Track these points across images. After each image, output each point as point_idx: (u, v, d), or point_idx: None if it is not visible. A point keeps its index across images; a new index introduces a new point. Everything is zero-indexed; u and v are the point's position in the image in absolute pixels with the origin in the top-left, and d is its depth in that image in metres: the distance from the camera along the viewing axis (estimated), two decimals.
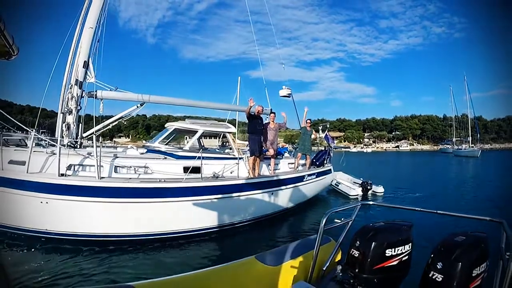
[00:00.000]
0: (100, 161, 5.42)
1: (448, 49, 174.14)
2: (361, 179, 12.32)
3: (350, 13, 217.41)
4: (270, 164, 8.08)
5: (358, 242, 2.32)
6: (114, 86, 7.10)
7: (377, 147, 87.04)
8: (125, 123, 7.88)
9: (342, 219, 2.73)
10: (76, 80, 6.65)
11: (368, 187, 11.34)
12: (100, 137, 5.97)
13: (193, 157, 6.41)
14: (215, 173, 6.59)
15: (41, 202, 5.13)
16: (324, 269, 2.47)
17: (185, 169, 6.26)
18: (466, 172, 23.78)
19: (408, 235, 2.39)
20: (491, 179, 18.34)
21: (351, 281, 2.26)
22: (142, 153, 6.51)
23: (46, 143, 6.51)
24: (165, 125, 8.05)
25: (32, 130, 5.53)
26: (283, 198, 7.82)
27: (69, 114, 6.59)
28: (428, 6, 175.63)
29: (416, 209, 2.68)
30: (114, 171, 5.76)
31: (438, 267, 1.90)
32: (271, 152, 7.97)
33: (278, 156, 8.89)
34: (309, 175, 8.96)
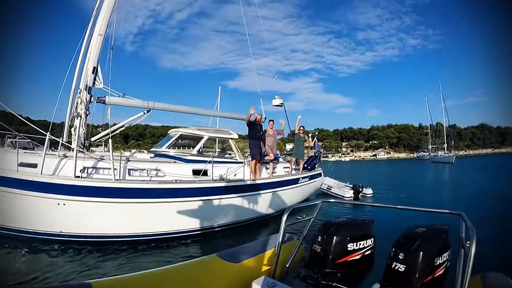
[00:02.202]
0: (114, 163, 5.61)
1: (423, 60, 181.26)
2: (348, 183, 13.05)
3: (329, 25, 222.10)
4: (268, 168, 8.50)
5: (320, 237, 2.33)
6: (122, 93, 7.29)
7: (355, 156, 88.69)
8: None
9: (304, 216, 2.78)
10: (86, 85, 6.81)
11: (360, 189, 12.00)
12: (110, 141, 6.17)
13: (201, 161, 6.72)
14: (221, 176, 6.92)
15: (58, 204, 5.21)
16: (287, 266, 2.45)
17: (194, 172, 6.57)
18: (442, 176, 25.50)
19: (370, 230, 2.44)
20: (463, 181, 20.33)
21: (315, 276, 2.26)
22: (151, 157, 6.74)
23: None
24: (169, 132, 8.35)
25: (48, 133, 5.64)
26: (281, 198, 8.24)
27: (77, 118, 6.73)
28: (404, 18, 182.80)
29: (377, 205, 2.93)
30: (128, 174, 5.95)
31: (400, 258, 1.93)
32: (271, 156, 8.41)
33: (274, 161, 9.32)
34: (303, 178, 9.47)
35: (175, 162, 6.80)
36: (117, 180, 5.59)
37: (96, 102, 7.02)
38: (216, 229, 6.53)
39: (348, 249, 2.24)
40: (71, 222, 5.39)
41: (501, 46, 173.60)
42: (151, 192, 5.62)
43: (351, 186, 12.42)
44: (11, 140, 6.86)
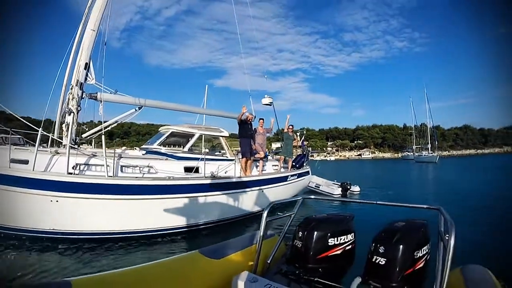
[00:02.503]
0: (107, 160, 5.65)
1: (409, 62, 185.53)
2: (335, 181, 13.41)
3: (316, 25, 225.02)
4: (258, 165, 8.68)
5: (300, 233, 2.35)
6: (114, 89, 7.28)
7: (340, 156, 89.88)
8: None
9: (285, 212, 2.83)
10: (77, 81, 6.78)
11: (348, 187, 12.40)
12: (103, 137, 6.18)
13: (193, 158, 6.82)
14: (213, 173, 7.04)
15: (51, 201, 5.21)
16: (269, 262, 2.46)
17: (186, 169, 6.67)
18: (426, 175, 26.54)
19: (350, 225, 2.48)
20: (445, 179, 21.60)
21: (296, 272, 2.28)
22: (143, 154, 6.79)
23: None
24: (159, 129, 8.38)
25: (40, 129, 5.61)
26: (271, 195, 8.39)
27: (69, 115, 6.71)
28: (391, 21, 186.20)
29: (358, 201, 3.07)
30: (120, 171, 6.00)
31: (381, 252, 1.96)
32: (261, 154, 8.59)
33: (264, 159, 9.50)
34: (291, 175, 9.69)
35: (167, 159, 6.88)
36: (110, 176, 5.64)
37: (88, 98, 6.99)
38: (209, 225, 6.66)
39: (329, 244, 2.26)
40: (64, 219, 5.40)
41: (485, 50, 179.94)
42: (145, 189, 5.69)
43: (339, 184, 12.77)
44: (1, 136, 6.78)
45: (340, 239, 2.30)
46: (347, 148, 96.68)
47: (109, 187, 5.46)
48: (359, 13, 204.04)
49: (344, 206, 9.53)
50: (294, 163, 11.06)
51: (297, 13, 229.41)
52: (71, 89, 6.80)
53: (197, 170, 6.85)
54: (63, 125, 6.71)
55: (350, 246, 2.37)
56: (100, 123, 7.53)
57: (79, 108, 6.87)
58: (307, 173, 11.19)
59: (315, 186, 12.76)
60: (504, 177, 20.80)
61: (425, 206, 2.28)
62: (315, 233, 2.27)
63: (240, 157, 8.03)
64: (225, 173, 7.55)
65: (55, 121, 7.01)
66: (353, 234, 2.42)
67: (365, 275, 2.02)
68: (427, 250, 2.01)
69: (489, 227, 6.89)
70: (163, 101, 8.08)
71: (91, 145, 8.26)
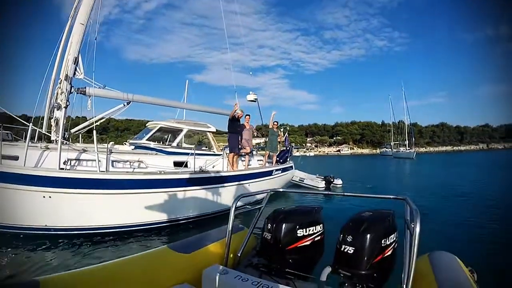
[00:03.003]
0: (98, 155, 5.75)
1: (389, 61, 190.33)
2: (317, 175, 14.02)
3: (297, 22, 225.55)
4: (244, 160, 8.99)
5: (269, 225, 2.37)
6: (102, 84, 7.32)
7: (319, 151, 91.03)
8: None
9: (254, 205, 2.86)
10: (66, 75, 6.78)
11: (331, 180, 13.01)
12: (95, 132, 6.24)
13: (182, 153, 7.01)
14: (201, 167, 7.26)
15: (44, 197, 5.22)
16: (239, 255, 2.47)
17: (175, 164, 6.87)
18: (403, 169, 28.18)
19: (319, 216, 2.49)
20: (421, 173, 23.44)
21: (267, 264, 2.31)
22: (133, 149, 6.91)
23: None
24: (147, 125, 8.51)
25: (30, 124, 5.63)
26: (257, 189, 8.63)
27: (58, 110, 6.72)
28: (371, 20, 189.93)
29: (325, 192, 3.23)
30: (111, 165, 6.11)
31: (349, 241, 2.00)
32: (247, 149, 8.89)
33: (250, 154, 9.81)
34: (276, 170, 10.11)
35: (157, 154, 7.04)
36: (102, 171, 5.75)
37: (77, 93, 7.02)
38: (199, 218, 6.87)
39: (298, 235, 2.28)
40: (57, 215, 5.42)
41: (461, 52, 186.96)
42: (137, 183, 5.84)
43: (323, 177, 13.34)
44: None
45: (309, 230, 2.32)
46: (326, 144, 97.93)
47: (101, 182, 5.56)
48: (340, 11, 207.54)
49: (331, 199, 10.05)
50: (278, 158, 11.47)
51: (278, 10, 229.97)
52: (60, 83, 6.81)
53: (186, 165, 7.05)
54: (52, 120, 6.71)
55: (319, 237, 2.40)
56: (84, 118, 7.56)
57: (68, 103, 6.88)
58: (290, 168, 11.67)
59: (299, 180, 13.23)
60: (477, 171, 22.07)
61: (391, 196, 2.33)
62: (284, 225, 2.29)
63: (228, 152, 8.27)
64: (213, 167, 7.79)
65: (42, 116, 6.95)
66: (321, 225, 2.44)
67: (335, 264, 2.06)
68: (394, 239, 2.05)
69: (458, 217, 7.47)
70: (150, 96, 8.17)
71: (77, 140, 8.25)
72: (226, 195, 7.47)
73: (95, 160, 5.84)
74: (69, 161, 5.83)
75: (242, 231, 2.82)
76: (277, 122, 10.96)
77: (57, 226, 5.45)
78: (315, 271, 2.32)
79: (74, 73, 6.99)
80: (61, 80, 6.81)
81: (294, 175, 13.04)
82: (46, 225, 5.36)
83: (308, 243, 2.31)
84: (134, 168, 6.37)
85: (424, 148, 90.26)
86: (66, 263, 4.59)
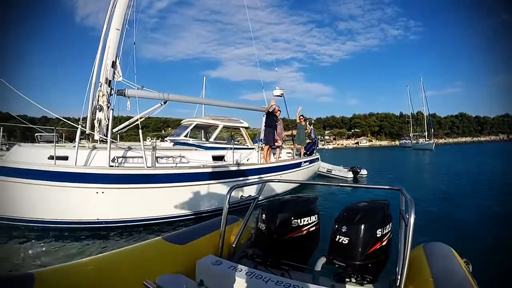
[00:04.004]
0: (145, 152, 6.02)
1: (404, 51, 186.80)
2: (341, 166, 14.13)
3: (310, 14, 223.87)
4: (275, 153, 9.26)
5: (264, 216, 2.35)
6: (140, 85, 7.62)
7: (338, 144, 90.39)
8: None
9: (249, 195, 2.87)
10: (106, 78, 7.10)
11: (358, 171, 13.19)
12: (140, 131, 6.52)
13: (218, 148, 7.28)
14: (237, 161, 7.49)
15: (97, 192, 5.51)
16: (234, 245, 2.44)
17: (214, 158, 7.13)
18: (422, 160, 28.08)
19: (314, 207, 2.48)
20: (438, 163, 23.50)
21: (262, 254, 2.29)
22: (173, 146, 7.19)
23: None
24: (182, 122, 8.78)
25: (79, 125, 5.95)
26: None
27: (100, 111, 7.04)
28: (386, 10, 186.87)
29: (320, 183, 3.09)
30: (156, 161, 6.37)
31: (343, 231, 2.00)
32: (279, 143, 9.12)
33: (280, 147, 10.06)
34: (304, 162, 10.35)
35: (196, 149, 7.29)
36: (149, 167, 6.02)
37: (117, 94, 7.33)
38: (239, 207, 7.05)
39: (293, 226, 2.26)
40: (108, 209, 5.69)
41: (479, 39, 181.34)
42: (183, 177, 6.10)
43: (349, 168, 13.43)
44: (37, 135, 7.08)
45: (304, 221, 2.30)
46: (344, 137, 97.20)
47: (150, 177, 5.83)
48: (354, 1, 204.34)
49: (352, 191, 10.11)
50: (305, 151, 11.68)
51: (291, 3, 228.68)
52: (100, 86, 7.12)
53: (223, 159, 7.29)
54: (95, 121, 7.03)
55: (314, 228, 2.38)
56: (123, 118, 7.86)
57: (109, 104, 7.20)
58: (317, 159, 11.91)
59: (327, 171, 13.44)
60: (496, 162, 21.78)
61: (387, 187, 2.34)
62: (279, 215, 2.28)
63: (263, 145, 8.61)
64: (247, 160, 8.03)
65: (80, 117, 7.20)
66: (316, 215, 2.43)
67: (330, 255, 2.05)
68: (389, 229, 2.05)
69: (463, 209, 7.26)
70: (186, 96, 8.46)
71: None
72: (269, 185, 7.66)
73: (139, 157, 6.15)
74: (116, 159, 6.12)
75: (237, 222, 2.80)
76: (303, 115, 11.14)
77: (108, 219, 5.70)
78: (310, 262, 2.31)
79: (113, 76, 7.30)
80: (101, 83, 7.13)
81: (321, 167, 13.24)
82: (97, 219, 5.63)
83: (303, 233, 2.29)
84: (176, 163, 6.62)
85: (443, 139, 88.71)
86: None
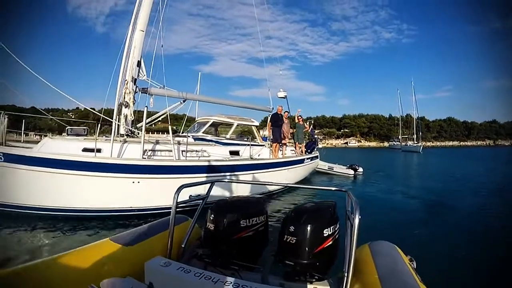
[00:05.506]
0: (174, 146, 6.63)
1: (396, 54, 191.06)
2: (337, 163, 15.06)
3: (304, 13, 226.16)
4: (282, 150, 10.04)
5: (212, 216, 2.32)
6: (162, 84, 8.20)
7: (327, 143, 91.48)
8: None
9: (199, 195, 2.82)
10: (132, 77, 7.64)
11: (357, 168, 14.26)
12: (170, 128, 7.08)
13: (235, 144, 7.99)
14: (251, 156, 8.17)
15: (133, 182, 6.02)
16: (183, 246, 2.41)
17: (231, 153, 7.81)
18: (411, 162, 29.61)
19: (262, 207, 2.49)
20: (425, 165, 25.76)
21: (211, 255, 2.27)
22: (195, 141, 7.83)
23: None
24: (197, 120, 9.45)
25: (114, 120, 6.47)
26: (293, 174, 9.92)
27: (125, 107, 7.56)
28: (379, 12, 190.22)
29: (272, 182, 2.97)
30: (182, 155, 6.96)
31: (291, 231, 2.02)
32: (286, 140, 9.93)
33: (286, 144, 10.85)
34: (306, 158, 11.27)
35: (215, 144, 7.93)
36: (178, 159, 6.61)
37: (141, 92, 7.89)
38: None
39: (241, 226, 2.25)
40: (141, 197, 6.18)
41: (471, 46, 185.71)
42: (209, 169, 6.73)
43: (347, 166, 14.43)
44: (68, 128, 7.53)
45: (252, 221, 2.30)
46: (333, 136, 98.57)
47: (179, 168, 6.43)
48: (348, 2, 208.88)
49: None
50: (306, 149, 12.55)
51: (285, 1, 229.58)
52: (126, 84, 7.64)
53: (238, 153, 8.00)
54: (122, 117, 7.55)
55: (262, 228, 2.39)
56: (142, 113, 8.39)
57: (134, 101, 7.74)
58: (316, 157, 12.83)
59: (328, 168, 14.40)
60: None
61: (333, 188, 2.38)
62: (227, 215, 2.27)
63: (271, 142, 9.47)
64: (258, 155, 8.72)
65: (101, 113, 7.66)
66: (265, 215, 2.45)
67: (279, 254, 2.09)
68: (336, 229, 2.08)
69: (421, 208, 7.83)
70: (202, 95, 9.10)
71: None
72: (278, 178, 8.53)
73: (167, 150, 6.72)
74: (146, 152, 6.65)
75: (186, 221, 2.79)
76: (301, 116, 12.09)
77: (141, 207, 6.21)
78: (260, 261, 2.37)
79: (138, 75, 7.84)
80: (127, 81, 7.65)
81: (321, 164, 14.16)
82: (131, 207, 6.13)
83: (251, 233, 2.30)
84: (199, 157, 7.22)
85: (431, 142, 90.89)
86: None
